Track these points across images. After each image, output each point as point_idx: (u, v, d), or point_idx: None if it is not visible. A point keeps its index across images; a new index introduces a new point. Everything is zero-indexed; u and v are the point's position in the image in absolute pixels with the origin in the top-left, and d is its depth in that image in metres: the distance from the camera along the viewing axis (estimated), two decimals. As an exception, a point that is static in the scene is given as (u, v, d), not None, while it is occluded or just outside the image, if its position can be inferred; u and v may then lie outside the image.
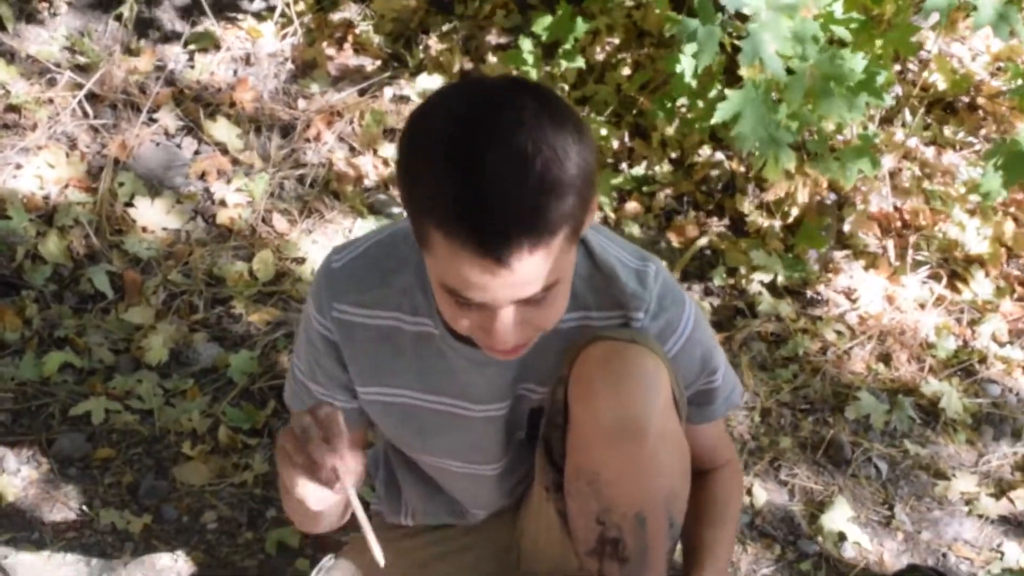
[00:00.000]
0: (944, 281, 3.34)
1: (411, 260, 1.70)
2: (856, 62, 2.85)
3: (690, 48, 2.90)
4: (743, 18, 2.90)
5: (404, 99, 3.57)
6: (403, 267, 1.73)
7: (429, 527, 2.10)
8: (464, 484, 1.97)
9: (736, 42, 2.97)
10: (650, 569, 1.79)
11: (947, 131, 3.66)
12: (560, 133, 1.40)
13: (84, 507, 2.54)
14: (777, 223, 3.35)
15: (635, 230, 3.34)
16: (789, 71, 2.82)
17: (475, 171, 1.37)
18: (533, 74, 3.42)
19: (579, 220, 1.44)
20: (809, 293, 3.29)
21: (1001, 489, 2.80)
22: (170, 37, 3.67)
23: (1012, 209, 3.50)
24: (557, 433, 1.77)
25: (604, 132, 3.42)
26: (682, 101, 3.34)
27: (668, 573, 1.85)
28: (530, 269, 1.41)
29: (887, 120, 3.59)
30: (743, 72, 3.03)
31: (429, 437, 1.87)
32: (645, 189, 3.44)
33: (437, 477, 1.99)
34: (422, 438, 1.88)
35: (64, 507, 2.53)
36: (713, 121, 2.90)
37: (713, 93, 3.19)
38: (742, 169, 3.44)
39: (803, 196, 3.28)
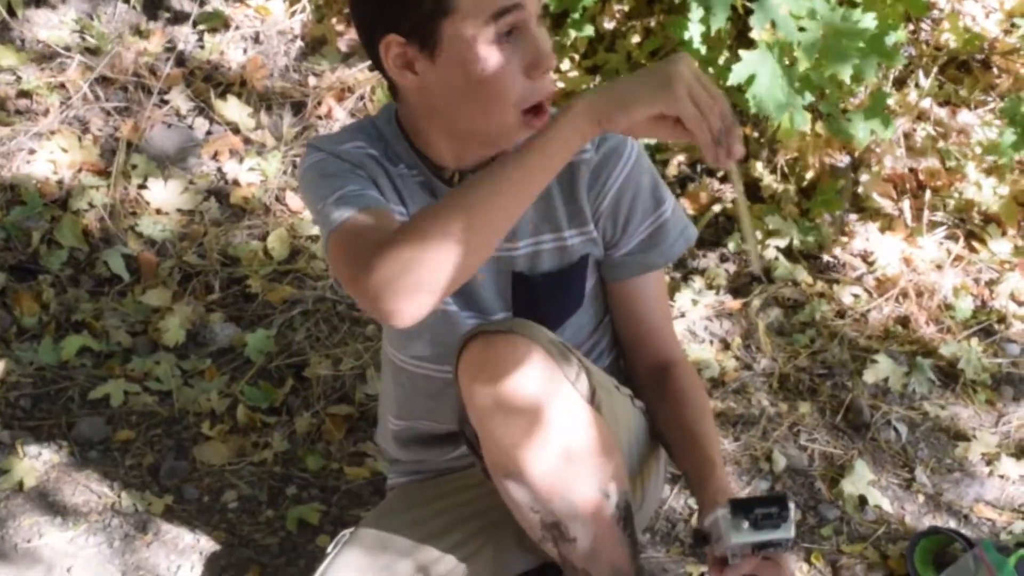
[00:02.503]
0: (961, 241, 3.33)
1: (380, 123, 1.88)
2: (867, 21, 2.82)
3: (697, 14, 2.88)
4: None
5: (414, 73, 3.57)
6: (374, 129, 1.87)
7: (441, 493, 2.10)
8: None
9: (748, 3, 2.95)
10: (601, 540, 1.81)
11: (961, 90, 3.64)
12: None
13: (106, 489, 2.55)
14: (792, 187, 3.34)
15: (649, 198, 3.33)
16: (801, 31, 2.80)
17: None
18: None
19: None
20: (825, 257, 3.27)
21: (1022, 449, 2.79)
22: (179, 17, 3.67)
23: (1030, 167, 3.48)
24: (468, 426, 1.80)
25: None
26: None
27: (632, 535, 1.86)
28: None
29: (900, 81, 3.57)
30: (754, 35, 3.01)
31: None
32: (658, 156, 3.43)
33: (425, 343, 1.99)
34: None
35: (86, 489, 2.54)
36: (729, 83, 2.88)
37: (723, 58, 3.16)
38: (755, 135, 3.42)
39: (815, 158, 3.26)
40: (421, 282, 1.54)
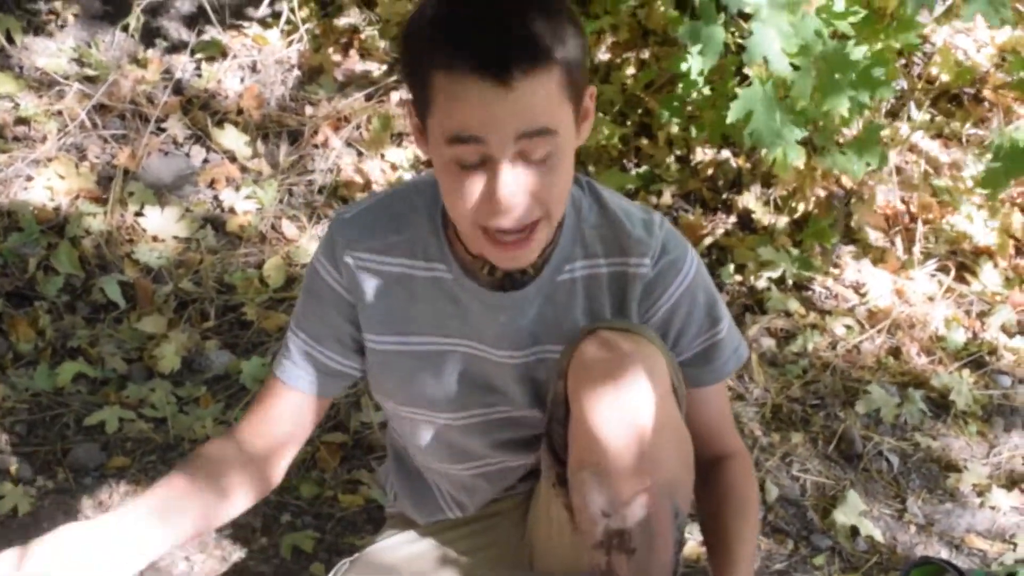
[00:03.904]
0: (952, 273, 3.35)
1: (421, 208, 1.77)
2: (860, 55, 2.85)
3: (696, 48, 2.91)
4: (746, 17, 2.90)
5: (410, 103, 3.59)
6: (414, 214, 1.78)
7: (442, 527, 2.11)
8: (475, 444, 1.96)
9: (740, 41, 2.98)
10: (658, 558, 1.80)
11: (953, 124, 3.66)
12: (553, 7, 1.54)
13: (100, 515, 2.55)
14: (784, 219, 3.36)
15: (643, 229, 3.35)
16: (795, 67, 2.83)
17: (471, 3, 1.51)
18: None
19: (574, 80, 1.53)
20: (818, 288, 3.29)
21: (1013, 480, 2.81)
22: (177, 46, 3.69)
23: (1020, 200, 3.50)
24: (559, 427, 1.79)
25: (609, 132, 3.43)
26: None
27: (677, 563, 1.86)
28: (528, 94, 1.48)
29: (893, 114, 3.59)
30: (748, 71, 3.04)
31: (445, 384, 1.87)
32: (652, 188, 3.45)
33: (441, 455, 1.99)
34: (439, 384, 1.87)
35: (80, 516, 2.54)
36: (729, 120, 2.90)
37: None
38: (748, 166, 3.45)
39: (812, 192, 3.29)
40: None
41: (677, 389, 1.74)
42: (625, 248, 1.78)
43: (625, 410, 1.65)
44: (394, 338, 1.84)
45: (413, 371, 1.86)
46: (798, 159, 2.96)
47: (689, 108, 3.36)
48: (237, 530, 2.54)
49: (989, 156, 3.03)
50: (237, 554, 2.49)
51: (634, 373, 1.66)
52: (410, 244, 1.79)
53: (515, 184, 1.55)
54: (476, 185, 1.56)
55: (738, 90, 2.91)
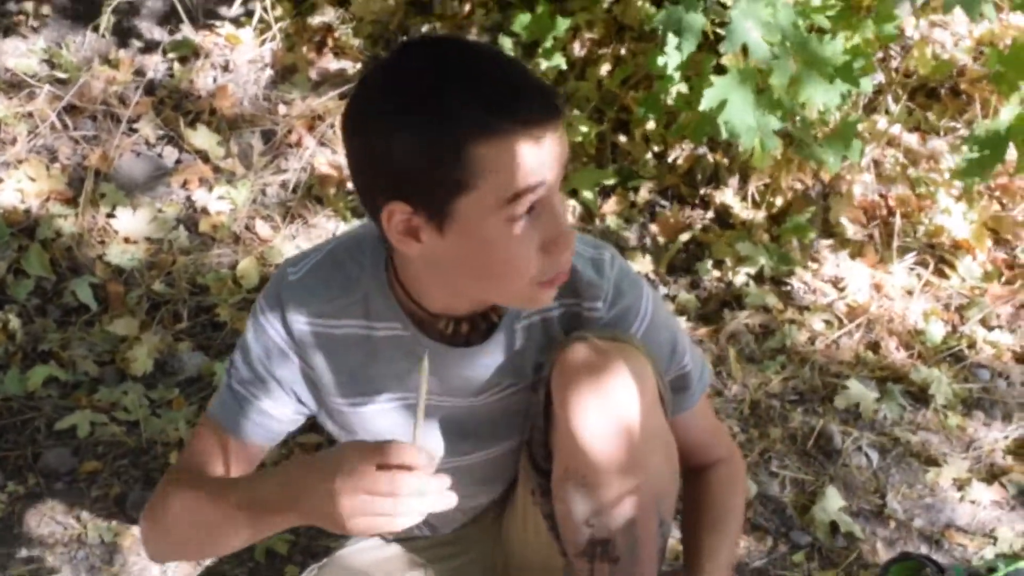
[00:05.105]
0: (931, 267, 3.33)
1: (367, 265, 1.71)
2: (835, 48, 2.83)
3: (673, 41, 2.87)
4: (724, 6, 2.88)
5: (385, 101, 3.56)
6: (361, 272, 1.72)
7: (411, 537, 2.09)
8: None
9: (718, 30, 2.95)
10: (641, 568, 1.78)
11: (931, 117, 3.65)
12: None
13: (72, 521, 2.52)
14: (762, 214, 3.34)
15: (619, 225, 3.33)
16: (775, 58, 2.80)
17: (495, 65, 1.50)
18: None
19: None
20: (796, 283, 3.27)
21: (993, 474, 2.79)
22: (149, 46, 3.66)
23: (997, 193, 3.49)
24: (539, 436, 1.76)
25: (585, 129, 3.40)
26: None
27: (661, 571, 1.84)
28: (560, 140, 1.51)
29: (870, 108, 3.58)
30: (725, 60, 3.02)
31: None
32: (629, 184, 3.43)
33: None
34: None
35: (52, 522, 2.52)
36: (701, 108, 2.87)
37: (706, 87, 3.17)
38: (726, 161, 3.43)
39: (786, 182, 3.27)
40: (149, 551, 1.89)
41: (663, 396, 1.72)
42: (577, 291, 1.74)
43: (612, 417, 1.63)
44: (358, 399, 1.80)
45: (381, 428, 1.82)
46: (776, 149, 2.93)
47: (668, 104, 3.34)
48: (210, 534, 2.51)
49: (966, 148, 3.01)
50: (211, 558, 2.47)
51: (621, 379, 1.63)
52: (362, 304, 1.73)
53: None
54: (531, 242, 1.52)
55: (713, 78, 2.87)
